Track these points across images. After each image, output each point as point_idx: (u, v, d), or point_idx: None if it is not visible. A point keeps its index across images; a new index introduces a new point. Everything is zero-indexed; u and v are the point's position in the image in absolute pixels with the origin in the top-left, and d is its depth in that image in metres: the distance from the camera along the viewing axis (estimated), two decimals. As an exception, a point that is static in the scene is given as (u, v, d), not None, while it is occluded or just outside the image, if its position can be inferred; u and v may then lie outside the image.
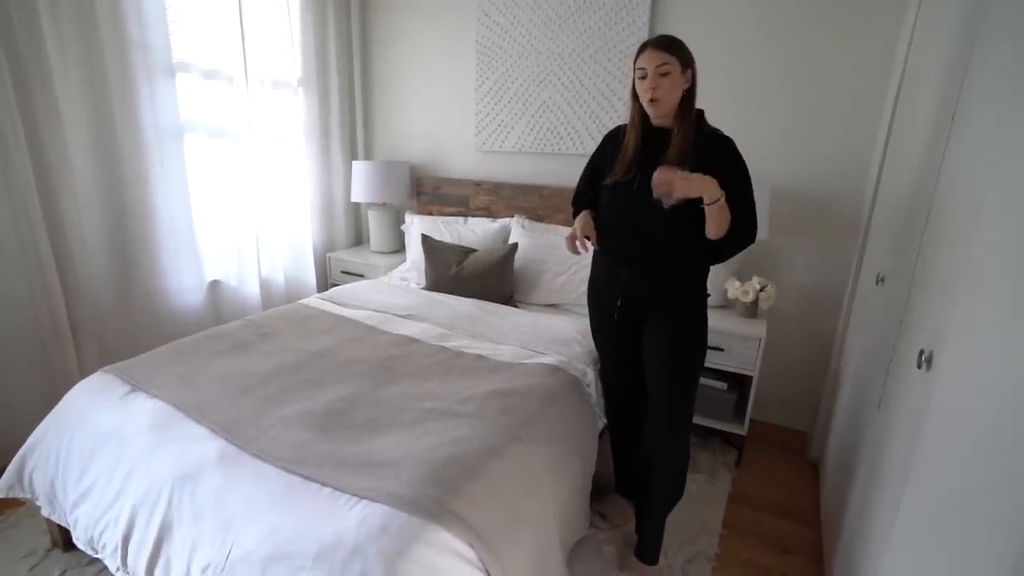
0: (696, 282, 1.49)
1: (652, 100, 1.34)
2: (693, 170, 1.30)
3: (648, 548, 1.60)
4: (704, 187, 1.27)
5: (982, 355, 0.78)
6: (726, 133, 1.43)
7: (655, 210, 1.36)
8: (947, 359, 0.89)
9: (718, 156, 1.36)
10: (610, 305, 1.55)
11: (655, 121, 1.41)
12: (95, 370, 1.64)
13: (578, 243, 1.52)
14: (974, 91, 1.05)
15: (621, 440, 1.79)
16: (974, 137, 1.00)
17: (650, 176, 1.31)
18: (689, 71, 1.36)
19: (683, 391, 1.51)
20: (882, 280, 1.57)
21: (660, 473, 1.55)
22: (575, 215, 1.61)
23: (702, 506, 1.93)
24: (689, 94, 1.38)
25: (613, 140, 1.55)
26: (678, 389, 1.50)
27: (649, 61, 1.33)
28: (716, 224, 1.32)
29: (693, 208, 1.34)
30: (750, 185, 1.39)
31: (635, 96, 1.41)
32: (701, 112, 1.42)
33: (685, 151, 1.35)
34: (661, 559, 1.63)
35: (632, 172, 1.43)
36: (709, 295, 1.53)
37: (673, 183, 1.26)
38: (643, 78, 1.35)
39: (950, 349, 0.89)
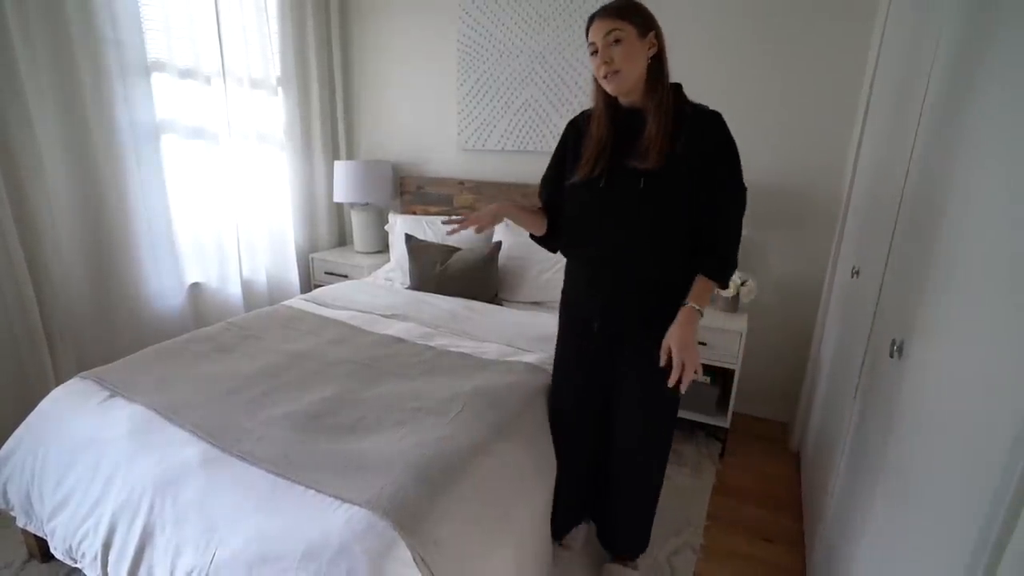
0: (684, 293, 1.25)
1: (607, 75, 1.15)
2: (677, 156, 1.15)
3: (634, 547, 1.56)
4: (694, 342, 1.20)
5: (950, 343, 0.80)
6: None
7: (631, 211, 1.21)
8: (917, 347, 0.92)
9: (709, 137, 1.17)
10: (587, 327, 1.35)
11: (623, 100, 1.22)
12: (72, 376, 1.61)
13: (459, 222, 1.27)
14: (939, 89, 1.08)
15: (573, 476, 1.51)
16: (940, 133, 1.03)
17: (623, 168, 1.18)
18: (651, 34, 1.16)
19: (672, 420, 1.39)
20: (857, 273, 1.61)
21: (641, 502, 1.48)
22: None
23: (687, 499, 1.96)
24: (657, 63, 1.17)
25: (575, 129, 1.32)
26: (668, 419, 1.37)
27: (597, 33, 1.15)
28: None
29: (674, 208, 1.19)
30: (740, 177, 1.22)
31: (596, 79, 1.22)
32: (679, 86, 1.23)
33: (664, 132, 1.15)
34: (649, 551, 1.65)
35: (600, 166, 1.23)
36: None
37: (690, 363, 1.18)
38: (595, 53, 1.17)
39: (919, 338, 0.92)
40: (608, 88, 1.19)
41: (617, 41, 1.13)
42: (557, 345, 1.51)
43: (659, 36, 1.18)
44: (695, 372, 1.20)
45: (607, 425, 1.44)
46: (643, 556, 1.64)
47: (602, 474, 1.52)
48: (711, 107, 1.21)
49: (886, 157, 1.51)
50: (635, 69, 1.15)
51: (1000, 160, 0.74)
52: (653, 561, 1.66)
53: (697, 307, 1.22)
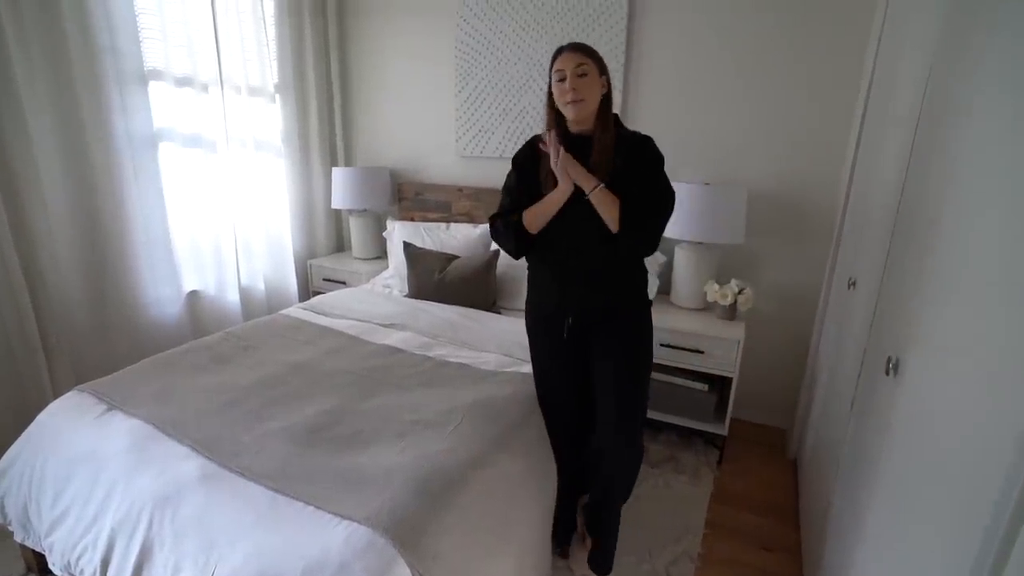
0: (639, 288, 1.50)
1: (573, 101, 1.32)
2: (618, 171, 1.34)
3: (605, 559, 1.61)
4: (579, 178, 1.33)
5: (946, 362, 0.81)
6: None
7: (590, 222, 1.36)
8: (912, 366, 0.92)
9: (639, 153, 1.37)
10: (559, 327, 1.49)
11: (574, 128, 1.39)
12: (69, 388, 1.60)
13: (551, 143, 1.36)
14: (935, 99, 1.09)
15: (568, 456, 1.63)
16: (935, 146, 1.03)
17: (577, 187, 1.35)
18: (604, 77, 1.36)
19: (642, 400, 1.51)
20: (853, 284, 1.62)
21: (620, 480, 1.55)
22: (508, 224, 1.45)
23: (686, 506, 1.96)
24: (606, 99, 1.38)
25: (529, 156, 1.47)
26: (638, 400, 1.49)
27: (566, 63, 1.32)
28: (605, 214, 1.33)
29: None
30: (664, 180, 1.38)
31: (552, 106, 1.39)
32: (616, 116, 1.43)
33: (608, 152, 1.35)
34: (647, 560, 1.65)
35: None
36: (651, 301, 1.54)
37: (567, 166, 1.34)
38: (561, 80, 1.33)
39: (915, 356, 0.92)
40: (570, 113, 1.35)
41: (583, 74, 1.32)
42: (530, 346, 1.63)
43: (609, 80, 1.39)
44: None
45: (589, 406, 1.57)
46: (642, 564, 1.64)
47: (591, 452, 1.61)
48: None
49: (882, 167, 1.52)
50: (594, 101, 1.35)
51: (997, 171, 0.74)
52: (651, 569, 1.66)
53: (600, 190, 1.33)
